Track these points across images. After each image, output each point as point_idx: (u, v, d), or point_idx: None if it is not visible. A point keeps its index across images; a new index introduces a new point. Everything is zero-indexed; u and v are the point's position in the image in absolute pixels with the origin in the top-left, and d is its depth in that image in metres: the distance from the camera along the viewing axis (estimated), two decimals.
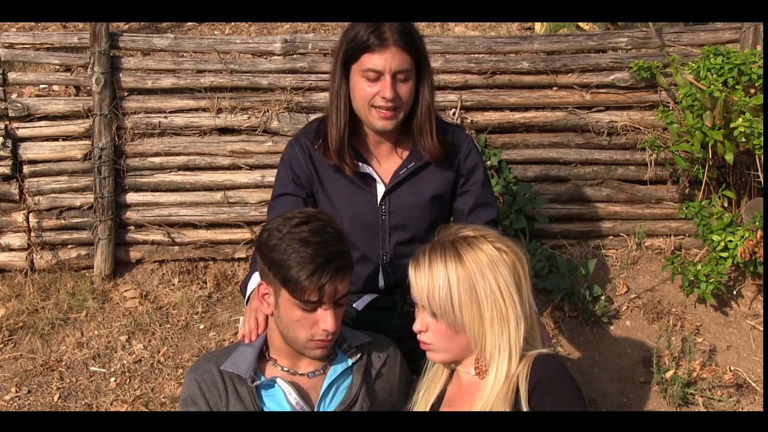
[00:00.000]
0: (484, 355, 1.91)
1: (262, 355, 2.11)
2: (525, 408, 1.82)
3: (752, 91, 3.44)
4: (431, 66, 2.37)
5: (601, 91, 3.80)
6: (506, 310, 1.87)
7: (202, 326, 3.58)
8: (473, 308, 1.87)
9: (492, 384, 1.87)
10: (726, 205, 3.62)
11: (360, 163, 2.36)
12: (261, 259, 1.99)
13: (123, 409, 3.18)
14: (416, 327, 1.97)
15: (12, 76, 3.74)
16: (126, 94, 3.76)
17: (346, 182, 2.38)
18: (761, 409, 3.13)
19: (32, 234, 3.80)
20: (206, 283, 3.77)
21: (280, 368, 2.07)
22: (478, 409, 1.86)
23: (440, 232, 1.99)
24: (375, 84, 2.23)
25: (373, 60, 2.21)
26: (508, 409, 1.84)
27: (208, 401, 2.02)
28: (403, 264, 2.30)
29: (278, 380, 2.04)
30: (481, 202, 2.46)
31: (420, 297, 1.93)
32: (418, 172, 2.39)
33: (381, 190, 2.38)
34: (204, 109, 3.77)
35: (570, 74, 3.78)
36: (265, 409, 2.03)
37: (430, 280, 1.89)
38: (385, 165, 2.40)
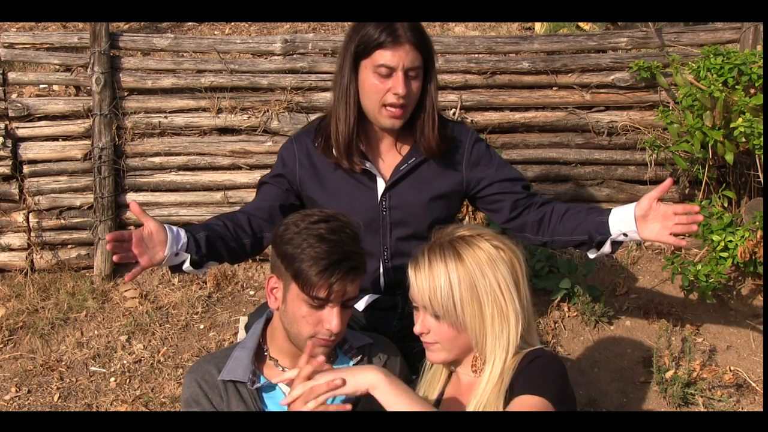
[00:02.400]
0: (483, 353, 1.92)
1: (262, 357, 2.10)
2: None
3: (752, 91, 3.44)
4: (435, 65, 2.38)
5: (601, 91, 3.80)
6: (506, 307, 1.88)
7: (202, 326, 3.58)
8: (474, 307, 1.87)
9: (486, 381, 1.87)
10: (726, 205, 3.62)
11: (362, 160, 2.36)
12: (274, 252, 2.00)
13: (123, 409, 3.17)
14: (417, 329, 1.96)
15: (12, 76, 3.74)
16: (126, 94, 3.76)
17: (347, 178, 2.37)
18: (761, 409, 3.12)
19: (32, 234, 3.80)
20: (206, 283, 3.77)
21: (280, 369, 2.07)
22: (472, 407, 1.87)
23: (436, 233, 1.99)
24: (386, 80, 2.22)
25: (386, 56, 2.20)
26: (501, 405, 1.84)
27: (211, 401, 2.02)
28: (404, 260, 2.30)
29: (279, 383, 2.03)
30: (506, 178, 2.42)
31: (421, 298, 1.93)
32: (419, 167, 2.39)
33: (381, 186, 2.38)
34: (204, 109, 3.77)
35: (570, 74, 3.78)
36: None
37: (431, 280, 1.89)
38: (385, 161, 2.39)
